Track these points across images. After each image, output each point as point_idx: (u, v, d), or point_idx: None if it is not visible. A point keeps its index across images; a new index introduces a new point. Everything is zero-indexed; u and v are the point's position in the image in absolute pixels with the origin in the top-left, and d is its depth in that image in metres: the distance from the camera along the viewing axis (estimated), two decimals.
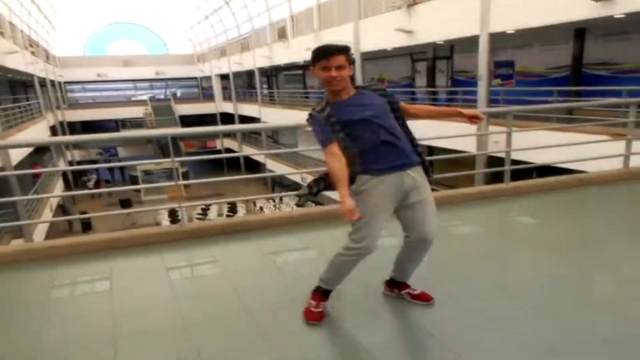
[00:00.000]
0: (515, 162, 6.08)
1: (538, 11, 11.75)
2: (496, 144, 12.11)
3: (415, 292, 3.08)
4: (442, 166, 14.79)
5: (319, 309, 2.93)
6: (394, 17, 17.17)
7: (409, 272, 3.03)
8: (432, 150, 15.12)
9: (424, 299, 3.04)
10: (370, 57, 20.25)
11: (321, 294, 2.96)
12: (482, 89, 13.23)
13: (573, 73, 14.02)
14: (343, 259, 2.79)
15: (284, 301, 3.21)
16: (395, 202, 2.72)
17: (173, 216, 22.99)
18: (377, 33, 18.37)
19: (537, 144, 6.46)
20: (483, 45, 13.05)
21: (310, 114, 2.71)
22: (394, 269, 3.07)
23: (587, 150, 6.76)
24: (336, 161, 2.60)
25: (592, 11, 10.52)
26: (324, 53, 2.61)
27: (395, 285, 3.13)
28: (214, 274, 3.88)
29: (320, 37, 22.41)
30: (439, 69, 20.24)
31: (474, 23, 13.17)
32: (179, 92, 47.44)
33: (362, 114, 2.64)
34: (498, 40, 13.08)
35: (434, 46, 19.54)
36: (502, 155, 5.79)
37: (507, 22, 12.70)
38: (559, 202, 5.36)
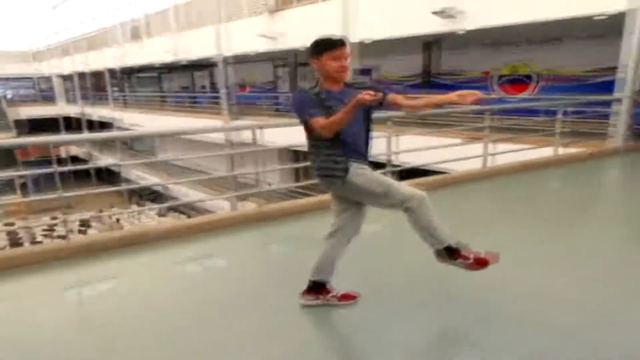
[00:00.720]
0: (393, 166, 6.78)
1: (393, 24, 12.93)
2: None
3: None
4: None
5: (482, 254, 2.78)
6: (257, 22, 17.44)
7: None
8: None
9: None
10: (233, 62, 20.29)
11: (454, 251, 2.75)
12: None
13: (424, 81, 15.64)
14: (425, 211, 2.66)
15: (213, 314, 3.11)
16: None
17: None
18: (241, 37, 18.49)
19: (411, 147, 7.19)
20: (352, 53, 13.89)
21: (298, 89, 2.77)
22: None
23: (454, 152, 7.60)
24: (327, 121, 2.61)
25: (440, 27, 11.88)
26: (334, 43, 2.64)
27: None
28: (120, 293, 3.56)
29: (178, 39, 21.88)
30: (302, 75, 21.03)
31: (337, 32, 14.00)
32: (9, 93, 42.30)
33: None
34: (361, 48, 14.07)
35: (295, 52, 20.26)
36: (381, 159, 6.26)
37: (367, 32, 13.73)
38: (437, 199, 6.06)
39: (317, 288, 3.05)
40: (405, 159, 7.16)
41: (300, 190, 13.02)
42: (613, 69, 11.22)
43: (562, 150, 7.91)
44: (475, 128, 7.76)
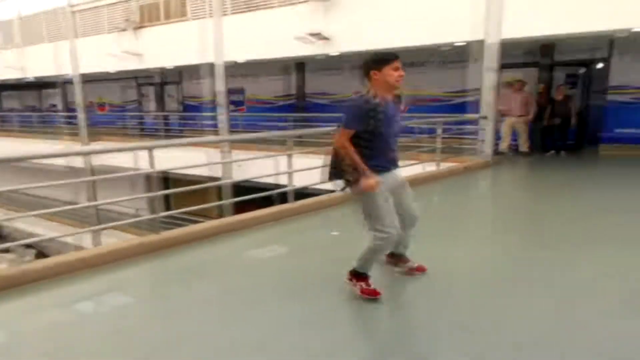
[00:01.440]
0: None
1: (265, 46, 12.96)
2: (240, 168, 12.76)
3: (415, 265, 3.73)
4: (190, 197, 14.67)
5: (372, 287, 3.30)
6: (118, 38, 16.36)
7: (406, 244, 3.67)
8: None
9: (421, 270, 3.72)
10: (90, 79, 18.77)
11: (361, 276, 3.32)
12: (222, 115, 13.79)
13: (298, 101, 15.85)
14: (379, 247, 3.18)
15: None
16: (390, 192, 3.25)
17: None
18: (99, 54, 17.15)
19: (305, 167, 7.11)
20: (220, 73, 13.65)
21: (363, 96, 3.10)
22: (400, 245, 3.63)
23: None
24: (348, 142, 3.10)
25: (312, 49, 12.16)
26: (394, 56, 3.13)
27: (398, 258, 3.74)
28: None
29: (25, 53, 19.72)
30: (168, 94, 20.15)
31: (207, 52, 13.66)
32: None
33: (392, 125, 3.17)
34: (230, 68, 13.87)
35: (161, 71, 19.41)
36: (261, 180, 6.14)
37: (239, 53, 13.60)
38: (345, 215, 6.11)
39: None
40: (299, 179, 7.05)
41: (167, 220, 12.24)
42: (465, 92, 12.49)
43: (442, 165, 8.59)
44: None
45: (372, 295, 3.28)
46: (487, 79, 9.55)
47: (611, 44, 10.58)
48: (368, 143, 3.13)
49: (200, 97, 18.70)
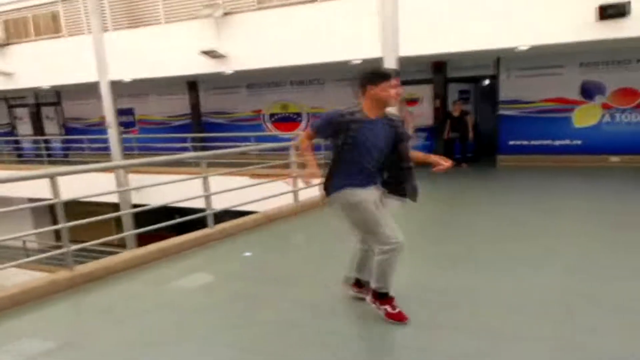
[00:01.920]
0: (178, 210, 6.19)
1: (156, 64, 12.14)
2: (138, 194, 11.80)
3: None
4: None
5: (397, 309, 3.22)
6: None
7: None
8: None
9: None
10: None
11: (384, 297, 3.24)
12: (113, 137, 12.66)
13: (194, 120, 15.04)
14: (388, 262, 3.09)
15: None
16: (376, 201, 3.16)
17: None
18: None
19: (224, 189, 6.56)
20: (106, 93, 12.54)
21: (339, 110, 3.06)
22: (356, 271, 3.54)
23: (265, 190, 7.20)
24: (307, 140, 3.23)
25: (206, 67, 11.56)
26: (392, 74, 3.05)
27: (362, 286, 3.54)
28: None
29: None
30: (46, 116, 18.27)
31: (89, 70, 12.51)
32: None
33: (374, 142, 3.06)
34: (117, 87, 12.84)
35: (35, 91, 17.59)
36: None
37: (127, 71, 12.64)
38: (263, 236, 5.85)
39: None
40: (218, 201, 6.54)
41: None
42: None
43: None
44: (281, 165, 7.60)
45: (399, 320, 3.20)
46: None
47: (498, 62, 11.10)
48: (341, 156, 3.09)
49: (84, 119, 17.19)
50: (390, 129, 3.12)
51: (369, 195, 3.11)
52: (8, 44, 14.48)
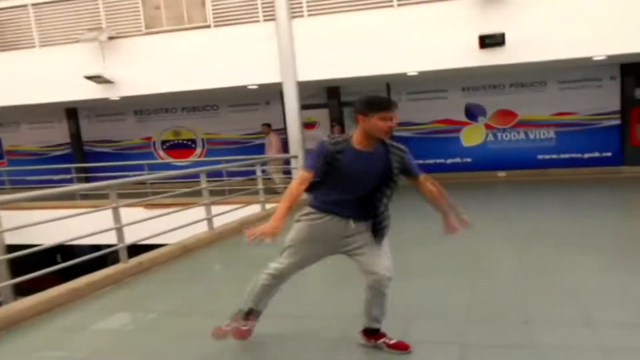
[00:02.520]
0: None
1: (29, 91, 11.03)
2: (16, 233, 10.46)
3: (392, 342, 3.02)
4: None
5: (247, 327, 3.08)
6: None
7: (376, 317, 2.99)
8: None
9: (401, 347, 3.01)
10: None
11: (245, 314, 3.06)
12: None
13: (75, 150, 13.84)
14: (262, 282, 2.95)
15: None
16: (332, 244, 2.89)
17: None
18: None
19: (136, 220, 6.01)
20: None
21: (324, 141, 2.81)
22: (365, 316, 3.03)
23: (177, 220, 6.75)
24: (300, 187, 2.77)
25: (91, 93, 10.74)
26: (389, 105, 2.75)
27: (372, 335, 3.06)
28: None
29: None
30: None
31: None
32: None
33: (358, 173, 2.77)
34: None
35: None
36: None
37: None
38: (180, 269, 5.44)
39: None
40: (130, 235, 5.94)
41: None
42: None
43: (268, 206, 8.25)
44: (193, 193, 7.18)
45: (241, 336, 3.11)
46: (291, 118, 9.54)
47: (388, 87, 11.60)
48: (323, 182, 2.81)
49: None
50: (387, 159, 2.82)
51: (335, 228, 2.85)
52: None
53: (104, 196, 8.12)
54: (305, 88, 10.15)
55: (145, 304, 4.40)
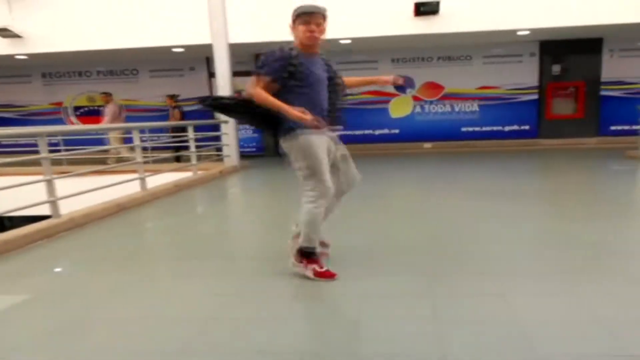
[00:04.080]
0: None
1: None
2: None
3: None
4: None
5: (325, 268, 2.97)
6: None
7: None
8: None
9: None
10: None
11: (311, 256, 2.97)
12: None
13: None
14: (316, 209, 2.85)
15: None
16: (331, 155, 2.95)
17: None
18: None
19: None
20: None
21: (282, 46, 2.75)
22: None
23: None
24: (266, 93, 2.71)
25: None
26: (307, 9, 2.74)
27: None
28: None
29: None
30: None
31: None
32: None
33: (319, 78, 2.82)
34: None
35: None
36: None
37: None
38: (115, 225, 4.95)
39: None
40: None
41: None
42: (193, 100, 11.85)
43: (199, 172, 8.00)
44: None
45: (329, 277, 2.94)
46: (222, 85, 9.07)
47: None
48: (293, 97, 2.74)
49: None
50: (326, 65, 2.92)
51: (322, 139, 2.85)
52: None
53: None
54: (233, 54, 9.74)
55: (79, 254, 3.96)
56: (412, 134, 11.54)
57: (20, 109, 12.45)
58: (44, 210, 4.73)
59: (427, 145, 11.46)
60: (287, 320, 2.43)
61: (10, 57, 10.53)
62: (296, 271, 2.99)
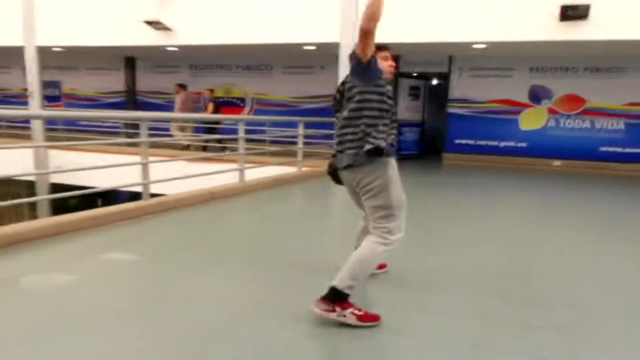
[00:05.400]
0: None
1: (88, 32, 11.13)
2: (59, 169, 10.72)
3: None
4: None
5: (362, 311, 2.47)
6: None
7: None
8: None
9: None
10: None
11: (344, 298, 2.45)
12: (35, 108, 11.45)
13: (129, 99, 14.05)
14: (380, 254, 2.51)
15: None
16: None
17: None
18: None
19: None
20: (31, 58, 11.37)
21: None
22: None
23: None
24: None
25: (149, 40, 10.74)
26: (384, 45, 2.66)
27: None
28: None
29: None
30: None
31: (16, 33, 11.27)
32: None
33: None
34: (43, 57, 11.65)
35: None
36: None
37: (55, 38, 11.50)
38: (203, 212, 5.26)
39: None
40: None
41: None
42: (320, 97, 12.18)
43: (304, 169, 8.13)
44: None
45: (374, 321, 2.49)
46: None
47: (451, 60, 11.07)
48: (380, 113, 2.54)
49: (4, 90, 15.64)
50: None
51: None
52: None
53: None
54: None
55: (158, 238, 4.23)
56: (542, 149, 10.67)
57: (166, 96, 13.77)
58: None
59: (557, 162, 10.53)
60: None
61: (161, 49, 11.68)
62: (333, 319, 2.43)
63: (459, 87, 11.07)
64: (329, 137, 9.51)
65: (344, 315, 2.42)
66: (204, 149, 11.06)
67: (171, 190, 5.66)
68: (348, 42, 9.09)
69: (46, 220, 4.16)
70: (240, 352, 2.16)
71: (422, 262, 3.59)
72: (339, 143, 2.58)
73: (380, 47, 2.59)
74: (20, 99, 13.82)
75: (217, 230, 4.64)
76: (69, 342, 2.21)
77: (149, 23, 10.30)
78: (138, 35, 10.74)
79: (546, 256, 3.93)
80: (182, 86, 11.70)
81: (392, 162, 2.55)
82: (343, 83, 2.65)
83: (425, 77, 12.19)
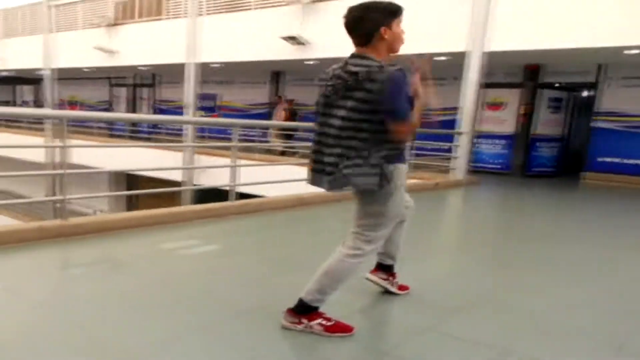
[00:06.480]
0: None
1: (242, 49, 12.29)
2: (204, 175, 12.02)
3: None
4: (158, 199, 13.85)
5: (333, 320, 2.37)
6: (92, 35, 15.65)
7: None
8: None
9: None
10: (64, 77, 17.91)
11: (312, 311, 2.35)
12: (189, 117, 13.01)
13: (272, 110, 15.15)
14: (351, 267, 2.33)
15: None
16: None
17: None
18: (72, 49, 16.43)
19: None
20: (190, 74, 12.94)
21: (395, 70, 2.11)
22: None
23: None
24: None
25: (288, 54, 11.51)
26: (400, 8, 2.26)
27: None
28: None
29: (4, 45, 18.97)
30: (140, 97, 19.33)
31: (181, 52, 12.96)
32: None
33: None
34: (203, 72, 13.18)
35: (135, 72, 18.66)
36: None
37: (213, 54, 12.92)
38: (286, 217, 5.40)
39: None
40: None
41: None
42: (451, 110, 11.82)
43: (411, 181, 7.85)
44: None
45: (345, 332, 2.36)
46: (468, 92, 8.78)
47: (599, 68, 9.98)
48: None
49: (172, 102, 17.97)
50: None
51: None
52: (115, 25, 15.46)
53: None
54: (499, 64, 9.25)
55: (236, 238, 4.44)
56: None
57: (304, 107, 14.49)
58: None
59: None
60: None
61: (301, 63, 12.41)
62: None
63: (607, 99, 9.89)
64: (444, 150, 9.21)
65: (311, 327, 2.34)
66: (282, 153, 11.85)
67: (267, 192, 5.92)
68: (475, 51, 8.76)
69: (127, 214, 4.67)
70: None
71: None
72: (329, 156, 2.24)
73: (396, 11, 2.25)
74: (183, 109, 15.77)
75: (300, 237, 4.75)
76: None
77: (287, 39, 11.07)
78: (281, 51, 11.61)
79: None
80: (280, 97, 13.17)
81: (401, 167, 2.30)
82: (339, 77, 2.28)
83: (569, 88, 11.13)
